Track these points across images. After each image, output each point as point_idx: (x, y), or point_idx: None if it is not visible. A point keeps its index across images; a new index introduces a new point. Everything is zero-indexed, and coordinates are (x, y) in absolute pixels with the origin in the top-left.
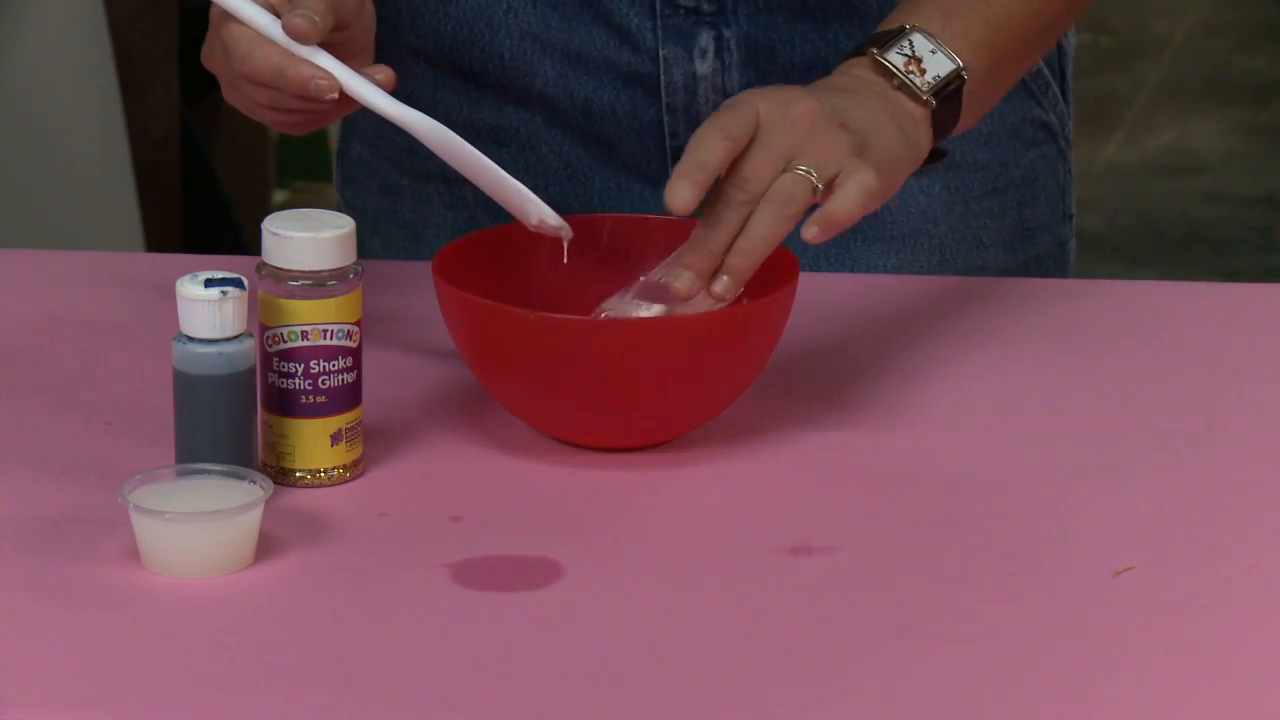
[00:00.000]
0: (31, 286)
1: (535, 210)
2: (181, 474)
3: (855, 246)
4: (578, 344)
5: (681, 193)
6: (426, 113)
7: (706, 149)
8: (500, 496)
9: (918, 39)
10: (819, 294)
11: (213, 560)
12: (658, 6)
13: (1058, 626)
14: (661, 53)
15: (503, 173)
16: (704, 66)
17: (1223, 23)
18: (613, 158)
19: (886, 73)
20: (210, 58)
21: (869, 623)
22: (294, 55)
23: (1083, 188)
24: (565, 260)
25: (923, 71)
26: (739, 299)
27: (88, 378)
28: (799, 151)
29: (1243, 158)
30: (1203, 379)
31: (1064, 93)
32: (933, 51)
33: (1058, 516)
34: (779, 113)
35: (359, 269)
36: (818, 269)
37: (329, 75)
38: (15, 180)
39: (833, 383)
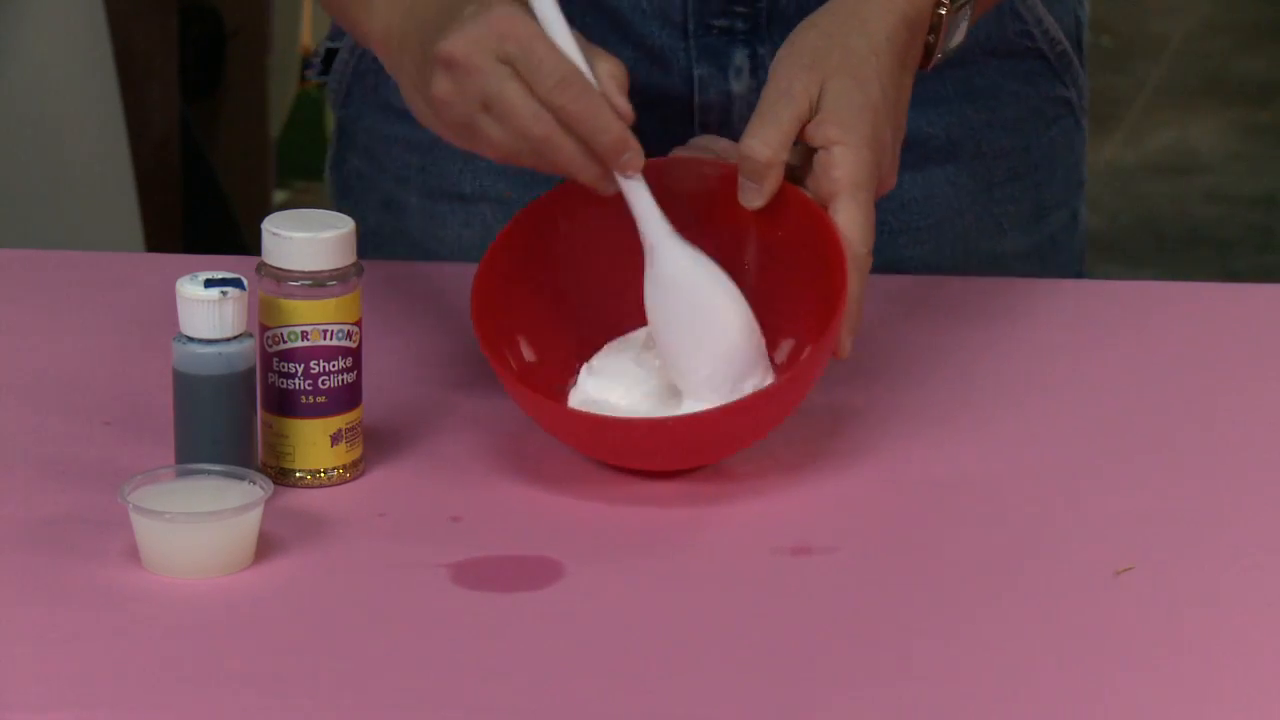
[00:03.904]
0: (31, 286)
1: None
2: (181, 474)
3: (882, 239)
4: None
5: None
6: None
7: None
8: (500, 496)
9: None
10: None
11: (213, 560)
12: (690, 27)
13: (1058, 626)
14: (695, 73)
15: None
16: (739, 85)
17: (1223, 23)
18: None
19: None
20: (467, 48)
21: (869, 623)
22: (622, 123)
23: None
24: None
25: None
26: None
27: (88, 378)
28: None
29: (1243, 158)
30: (1203, 379)
31: (1081, 63)
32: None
33: (1058, 516)
34: (874, 165)
35: (359, 269)
36: None
37: (640, 159)
38: (15, 180)
39: (832, 383)
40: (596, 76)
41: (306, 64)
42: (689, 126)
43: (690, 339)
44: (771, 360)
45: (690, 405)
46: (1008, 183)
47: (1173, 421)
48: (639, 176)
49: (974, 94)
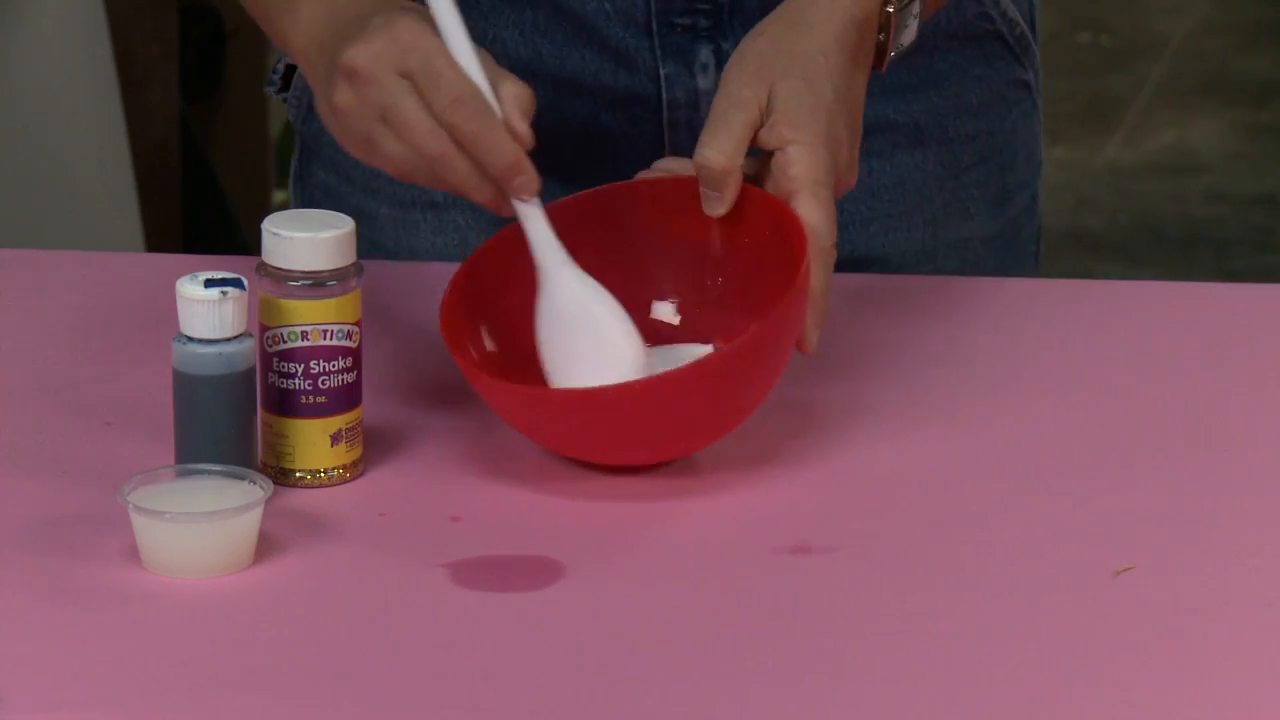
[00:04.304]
0: (31, 286)
1: None
2: (181, 474)
3: (854, 228)
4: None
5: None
6: None
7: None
8: (500, 496)
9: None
10: None
11: (213, 560)
12: (654, 27)
13: (1058, 626)
14: (662, 72)
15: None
16: (706, 81)
17: (1223, 23)
18: (614, 178)
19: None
20: (368, 60)
21: (868, 623)
22: (518, 146)
23: (1082, 188)
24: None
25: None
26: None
27: (88, 378)
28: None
29: (1243, 158)
30: (1203, 379)
31: (1035, 43)
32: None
33: (1057, 516)
34: (830, 162)
35: (359, 269)
36: None
37: (534, 184)
38: (15, 180)
39: (831, 383)
40: (499, 98)
41: (267, 81)
42: (658, 125)
43: (579, 368)
44: None
45: None
46: (974, 167)
47: (1173, 421)
48: (535, 201)
49: (937, 79)
